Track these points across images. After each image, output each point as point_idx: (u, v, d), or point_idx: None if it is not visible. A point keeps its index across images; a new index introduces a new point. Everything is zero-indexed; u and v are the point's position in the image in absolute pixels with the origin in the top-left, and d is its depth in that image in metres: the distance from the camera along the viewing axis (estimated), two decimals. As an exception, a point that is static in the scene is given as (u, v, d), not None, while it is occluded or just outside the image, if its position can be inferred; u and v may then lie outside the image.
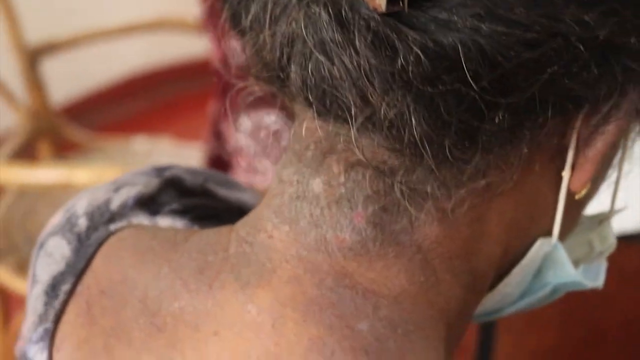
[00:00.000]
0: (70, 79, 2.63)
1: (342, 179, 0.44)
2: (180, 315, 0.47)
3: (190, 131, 2.28)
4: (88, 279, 0.51)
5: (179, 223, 0.56)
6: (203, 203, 0.59)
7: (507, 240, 0.48)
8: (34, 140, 1.91)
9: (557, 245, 0.50)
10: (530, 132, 0.41)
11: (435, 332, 0.46)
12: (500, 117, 0.40)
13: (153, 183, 0.57)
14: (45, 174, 1.43)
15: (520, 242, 0.49)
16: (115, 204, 0.55)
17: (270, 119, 1.33)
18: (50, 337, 0.50)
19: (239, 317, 0.45)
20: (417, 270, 0.45)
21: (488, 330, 1.09)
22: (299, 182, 0.46)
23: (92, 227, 0.54)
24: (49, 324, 0.51)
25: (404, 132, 0.40)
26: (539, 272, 0.51)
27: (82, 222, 0.55)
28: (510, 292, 0.51)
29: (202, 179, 0.62)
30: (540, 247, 0.49)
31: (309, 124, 0.45)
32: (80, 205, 0.56)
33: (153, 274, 0.49)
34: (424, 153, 0.40)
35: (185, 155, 1.89)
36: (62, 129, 1.96)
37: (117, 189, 0.57)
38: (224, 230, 0.49)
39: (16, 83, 1.91)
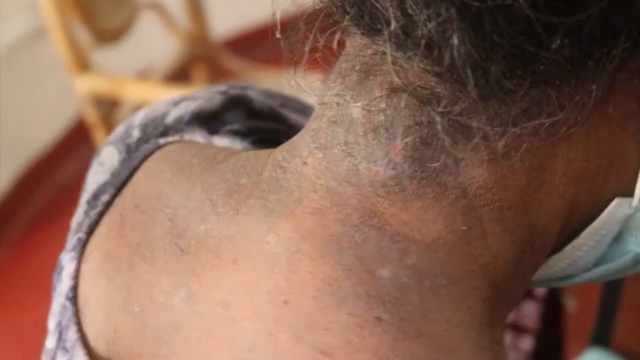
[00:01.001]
0: (232, 14, 2.64)
1: (382, 104, 0.39)
2: (205, 238, 0.43)
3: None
4: (127, 191, 0.49)
5: (237, 145, 0.53)
6: (269, 127, 0.56)
7: (576, 194, 0.41)
8: (190, 65, 1.93)
9: (639, 208, 0.42)
10: (598, 65, 0.34)
11: (473, 290, 0.40)
12: (560, 42, 0.33)
13: (216, 99, 0.54)
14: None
15: (592, 199, 0.42)
16: (171, 118, 0.53)
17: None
18: (81, 247, 0.48)
19: (258, 247, 0.41)
20: (460, 217, 0.39)
21: (609, 305, 1.01)
22: (339, 105, 0.41)
23: (142, 139, 0.52)
24: (82, 234, 0.49)
25: (445, 53, 0.34)
26: (619, 238, 0.44)
27: (135, 133, 0.52)
28: (583, 257, 0.45)
29: (278, 103, 0.58)
30: (616, 208, 0.42)
31: (355, 41, 0.40)
32: (138, 117, 0.54)
33: (186, 192, 0.45)
34: (466, 79, 0.35)
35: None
36: (218, 56, 1.97)
37: (178, 102, 0.54)
38: (264, 153, 0.45)
39: (178, 8, 1.93)
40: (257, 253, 0.41)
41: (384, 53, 0.38)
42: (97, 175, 0.52)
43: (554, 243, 0.43)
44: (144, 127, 0.52)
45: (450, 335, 0.38)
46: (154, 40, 2.12)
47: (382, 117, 0.39)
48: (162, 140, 0.51)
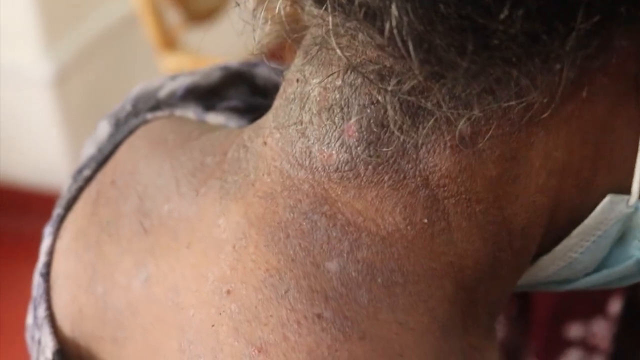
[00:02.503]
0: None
1: (339, 81, 0.36)
2: (166, 219, 0.41)
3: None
4: (108, 167, 0.47)
5: (233, 123, 0.50)
6: (271, 103, 0.53)
7: (559, 189, 0.36)
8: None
9: (639, 206, 0.37)
10: (555, 41, 0.30)
11: (435, 290, 0.36)
12: (509, 13, 0.29)
13: (214, 75, 0.52)
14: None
15: (580, 195, 0.37)
16: (164, 92, 0.50)
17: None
18: (59, 223, 0.47)
19: (209, 231, 0.38)
20: (420, 208, 0.35)
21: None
22: (299, 82, 0.38)
23: (132, 113, 0.50)
24: (60, 209, 0.47)
25: (385, 23, 0.31)
26: (622, 240, 0.40)
27: (127, 107, 0.50)
28: (580, 259, 0.40)
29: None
30: (610, 206, 0.37)
31: (311, 12, 0.36)
32: (135, 90, 0.52)
33: (157, 169, 0.43)
34: (409, 54, 0.31)
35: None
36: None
37: (175, 77, 0.52)
38: (235, 131, 0.43)
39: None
40: (208, 237, 0.38)
41: (337, 25, 0.35)
42: (88, 149, 0.51)
43: (538, 243, 0.38)
44: (136, 101, 0.50)
45: (401, 339, 0.35)
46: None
47: (338, 95, 0.36)
48: (149, 115, 0.49)
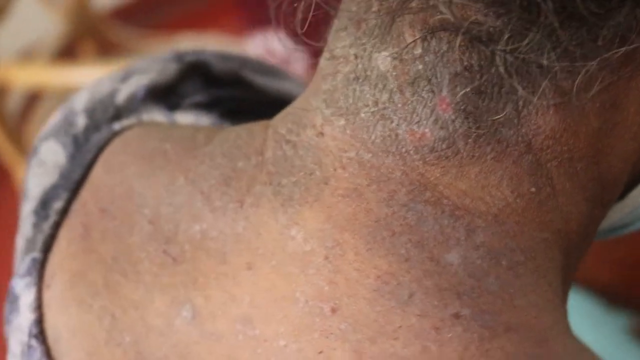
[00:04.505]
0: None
1: (418, 50, 0.31)
2: (202, 241, 0.35)
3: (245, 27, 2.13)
4: (85, 194, 0.39)
5: (204, 120, 0.44)
6: (235, 94, 0.47)
7: None
8: (75, 43, 1.79)
9: None
10: None
11: (549, 263, 0.33)
12: None
13: (171, 69, 0.45)
14: (85, 73, 1.32)
15: None
16: (121, 97, 0.43)
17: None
18: (39, 270, 0.39)
19: (279, 245, 0.33)
20: (526, 176, 0.32)
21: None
22: (358, 58, 0.33)
23: (92, 127, 0.42)
24: (37, 253, 0.39)
25: None
26: None
27: (81, 121, 0.43)
28: None
29: (237, 64, 0.49)
30: None
31: None
32: (80, 100, 0.44)
33: (166, 186, 0.37)
34: (543, 4, 0.27)
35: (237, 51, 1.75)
36: (105, 29, 1.84)
37: (125, 78, 0.45)
38: (257, 127, 0.37)
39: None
40: (280, 253, 0.33)
41: None
42: (40, 177, 0.42)
43: (620, 192, 0.36)
44: (91, 112, 0.43)
45: (541, 322, 0.31)
46: (33, 20, 1.96)
47: (421, 66, 0.31)
48: (117, 126, 0.41)
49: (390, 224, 0.31)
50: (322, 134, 0.33)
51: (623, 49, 0.30)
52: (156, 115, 0.43)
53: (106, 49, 1.86)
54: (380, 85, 0.32)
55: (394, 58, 0.32)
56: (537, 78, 0.30)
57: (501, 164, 0.32)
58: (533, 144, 0.32)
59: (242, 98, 0.47)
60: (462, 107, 0.31)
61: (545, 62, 0.30)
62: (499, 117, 0.31)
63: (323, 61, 0.35)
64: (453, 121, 0.31)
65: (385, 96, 0.32)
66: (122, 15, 2.40)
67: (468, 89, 0.31)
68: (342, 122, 0.33)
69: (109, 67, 1.32)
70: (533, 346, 0.30)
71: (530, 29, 0.29)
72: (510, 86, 0.31)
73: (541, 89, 0.30)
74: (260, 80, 0.49)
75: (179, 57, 0.46)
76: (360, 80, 0.32)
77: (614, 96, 0.32)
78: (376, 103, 0.32)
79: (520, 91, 0.31)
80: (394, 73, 0.32)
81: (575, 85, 0.30)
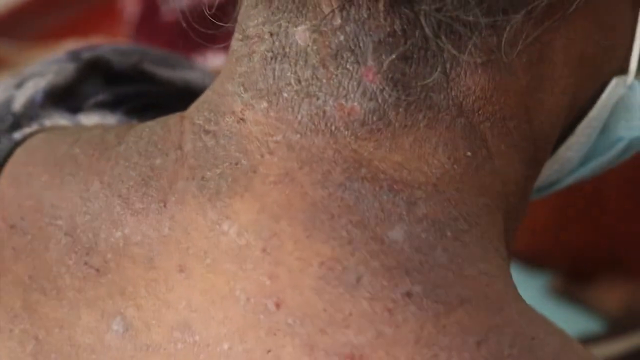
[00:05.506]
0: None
1: (337, 20, 0.30)
2: (126, 247, 0.32)
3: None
4: None
5: (110, 119, 0.41)
6: (140, 89, 0.44)
7: (576, 84, 0.34)
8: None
9: (635, 86, 0.36)
10: None
11: (493, 228, 0.32)
12: None
13: (68, 69, 0.42)
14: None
15: (592, 86, 0.35)
16: (18, 103, 0.40)
17: None
18: None
19: (211, 242, 0.31)
20: (461, 141, 0.31)
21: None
22: (274, 35, 0.31)
23: None
24: None
25: None
26: (605, 126, 0.38)
27: None
28: (572, 157, 0.38)
29: (137, 58, 0.46)
30: (614, 90, 0.35)
31: None
32: None
33: (80, 193, 0.34)
34: None
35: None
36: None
37: (20, 83, 0.42)
38: (172, 120, 0.35)
39: None
40: (213, 250, 0.31)
41: None
42: None
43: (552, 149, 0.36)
44: None
45: (494, 290, 0.30)
46: None
47: (342, 37, 0.30)
48: (17, 135, 0.38)
49: (327, 206, 0.30)
50: (242, 119, 0.32)
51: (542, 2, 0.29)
52: (58, 119, 0.40)
53: (-14, 65, 1.78)
54: (301, 62, 0.30)
55: (313, 31, 0.30)
56: (463, 37, 0.29)
57: (434, 130, 0.30)
58: (464, 106, 0.31)
59: (147, 93, 0.44)
60: (389, 76, 0.30)
61: (471, 19, 0.28)
62: (428, 81, 0.30)
63: (235, 42, 0.33)
64: (382, 91, 0.30)
65: (307, 72, 0.30)
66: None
67: (394, 56, 0.29)
68: (264, 104, 0.31)
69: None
70: (490, 316, 0.29)
71: None
72: (436, 48, 0.29)
73: (468, 48, 0.29)
74: (164, 72, 0.46)
75: (75, 55, 0.43)
76: (279, 58, 0.31)
77: (540, 50, 0.31)
78: (299, 81, 0.30)
79: (447, 52, 0.29)
80: (315, 47, 0.30)
81: (503, 41, 0.29)
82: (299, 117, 0.30)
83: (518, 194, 0.33)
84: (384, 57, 0.29)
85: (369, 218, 0.30)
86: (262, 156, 0.31)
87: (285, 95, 0.31)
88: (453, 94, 0.30)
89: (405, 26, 0.29)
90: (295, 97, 0.30)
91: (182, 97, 0.45)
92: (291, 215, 0.30)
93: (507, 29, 0.29)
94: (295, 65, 0.30)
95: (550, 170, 0.38)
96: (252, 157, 0.31)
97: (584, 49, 0.33)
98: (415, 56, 0.29)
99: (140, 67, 0.45)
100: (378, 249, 0.29)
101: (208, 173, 0.32)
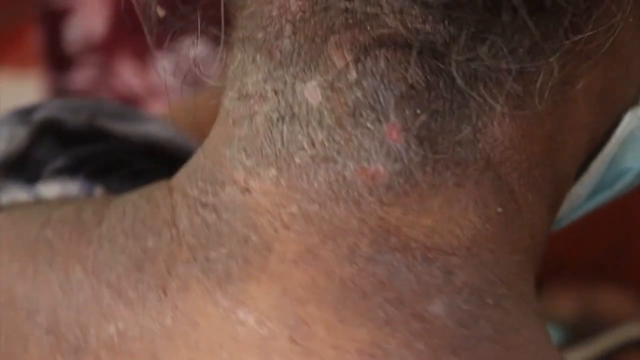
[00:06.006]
0: None
1: (353, 74, 0.27)
2: (122, 343, 0.28)
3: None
4: None
5: (71, 187, 0.37)
6: (98, 149, 0.40)
7: (595, 120, 0.31)
8: None
9: None
10: None
11: (527, 287, 0.29)
12: None
13: (20, 134, 0.38)
14: None
15: (608, 119, 0.33)
16: None
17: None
18: None
19: (226, 333, 0.27)
20: (490, 197, 0.28)
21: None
22: (278, 93, 0.28)
23: None
24: None
25: None
26: (613, 159, 0.36)
27: None
28: (581, 193, 0.35)
29: (88, 114, 0.42)
30: (628, 124, 0.33)
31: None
32: None
33: (60, 284, 0.30)
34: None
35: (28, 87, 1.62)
36: None
37: None
38: (158, 192, 0.31)
39: None
40: (230, 343, 0.27)
41: None
42: None
43: None
44: None
45: (542, 354, 0.28)
46: None
47: (359, 93, 0.27)
48: None
49: (358, 284, 0.27)
50: (247, 189, 0.28)
51: (579, 36, 0.27)
52: (16, 192, 0.36)
53: None
54: (313, 123, 0.27)
55: (325, 88, 0.27)
56: (495, 86, 0.27)
57: (463, 188, 0.28)
58: (492, 158, 0.28)
59: (106, 152, 0.40)
60: (414, 133, 0.27)
61: (504, 66, 0.26)
62: (458, 136, 0.27)
63: (229, 102, 0.29)
64: (407, 150, 0.27)
65: (322, 134, 0.27)
66: None
67: (418, 111, 0.26)
68: (273, 172, 0.28)
69: None
70: None
71: (490, 31, 0.25)
72: (462, 99, 0.27)
73: (502, 97, 0.27)
74: (121, 127, 0.42)
75: (24, 117, 0.39)
76: (287, 119, 0.27)
77: (564, 91, 0.29)
78: (312, 144, 0.27)
79: (475, 102, 0.27)
80: (328, 105, 0.27)
81: (537, 87, 0.27)
82: (316, 185, 0.27)
83: (543, 243, 0.31)
84: (407, 112, 0.26)
85: (405, 293, 0.27)
86: (275, 231, 0.27)
87: (297, 160, 0.27)
88: (480, 146, 0.28)
89: (429, 77, 0.26)
90: (310, 162, 0.27)
91: (144, 153, 0.42)
92: (318, 297, 0.27)
93: (541, 74, 0.26)
94: (307, 126, 0.27)
95: (562, 207, 0.36)
96: (263, 232, 0.28)
97: (604, 84, 0.31)
98: (440, 109, 0.27)
99: (94, 124, 0.41)
100: (420, 327, 0.26)
101: (212, 253, 0.28)
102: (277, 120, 0.27)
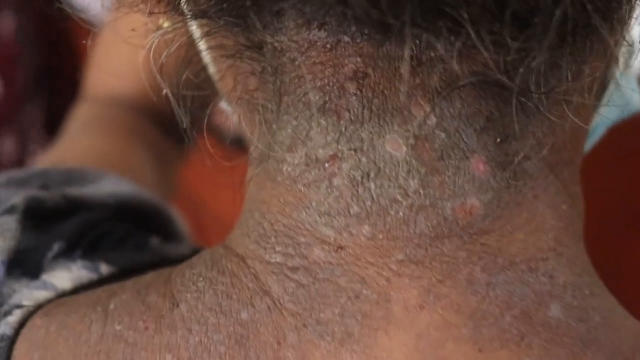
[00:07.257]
0: None
1: (433, 119, 0.27)
2: None
3: None
4: None
5: (77, 270, 0.36)
6: (79, 222, 0.38)
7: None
8: None
9: None
10: None
11: (592, 269, 0.32)
12: None
13: (12, 227, 0.36)
14: None
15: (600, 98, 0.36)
16: None
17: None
18: None
19: None
20: (556, 198, 0.30)
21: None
22: (358, 152, 0.28)
23: None
24: None
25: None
26: None
27: None
28: None
29: (39, 182, 0.41)
30: None
31: (341, 51, 0.27)
32: None
33: None
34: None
35: None
36: None
37: None
38: (229, 263, 0.31)
39: None
40: None
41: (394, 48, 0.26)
42: None
43: None
44: None
45: (637, 328, 0.31)
46: None
47: (443, 136, 0.27)
48: (4, 328, 0.32)
49: (486, 310, 0.28)
50: (341, 247, 0.28)
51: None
52: (38, 293, 0.34)
53: None
54: (403, 174, 0.28)
55: (408, 138, 0.27)
56: (562, 103, 0.28)
57: (539, 197, 0.30)
58: (550, 162, 0.30)
59: (89, 223, 0.38)
60: (498, 161, 0.28)
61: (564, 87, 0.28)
62: (526, 151, 0.29)
63: (293, 169, 0.29)
64: (494, 178, 0.28)
65: (414, 183, 0.28)
66: None
67: (497, 140, 0.28)
68: (367, 228, 0.28)
69: None
70: None
71: (561, 57, 0.26)
72: (528, 118, 0.28)
73: (562, 108, 0.29)
74: (86, 192, 0.41)
75: (5, 205, 0.37)
76: (372, 175, 0.28)
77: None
78: (406, 195, 0.28)
79: (539, 119, 0.28)
80: (415, 154, 0.27)
81: (585, 89, 0.29)
82: (418, 231, 0.28)
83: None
84: (488, 144, 0.28)
85: (528, 306, 0.29)
86: (388, 281, 0.28)
87: (392, 213, 0.28)
88: (543, 154, 0.29)
89: (500, 106, 0.28)
90: (408, 212, 0.28)
91: (122, 214, 0.40)
92: (454, 334, 0.28)
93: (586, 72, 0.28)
94: (396, 179, 0.27)
95: None
96: (375, 285, 0.28)
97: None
98: (511, 134, 0.28)
99: (70, 197, 0.39)
100: (552, 334, 0.28)
101: (322, 315, 0.28)
102: (362, 178, 0.28)
